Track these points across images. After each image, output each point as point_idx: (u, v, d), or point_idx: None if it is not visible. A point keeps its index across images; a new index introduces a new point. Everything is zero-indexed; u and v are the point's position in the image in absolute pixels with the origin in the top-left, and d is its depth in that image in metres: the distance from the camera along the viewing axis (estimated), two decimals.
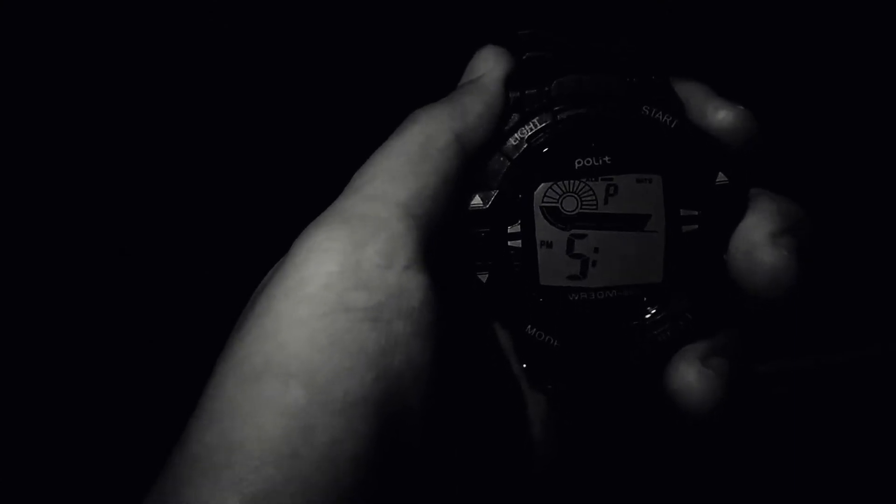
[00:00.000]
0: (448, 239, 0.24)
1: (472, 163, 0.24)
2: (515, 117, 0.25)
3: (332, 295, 0.21)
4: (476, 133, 0.24)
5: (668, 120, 0.25)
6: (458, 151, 0.24)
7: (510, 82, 0.25)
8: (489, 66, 0.26)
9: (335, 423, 0.19)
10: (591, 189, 0.25)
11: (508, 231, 0.25)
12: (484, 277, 0.25)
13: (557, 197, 0.25)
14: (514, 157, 0.25)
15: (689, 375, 0.24)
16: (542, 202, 0.25)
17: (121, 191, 0.40)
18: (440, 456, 0.22)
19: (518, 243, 0.25)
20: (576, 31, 0.26)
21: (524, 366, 0.26)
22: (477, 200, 0.25)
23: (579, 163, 0.25)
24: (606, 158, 0.25)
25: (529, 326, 0.25)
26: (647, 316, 0.25)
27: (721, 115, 0.25)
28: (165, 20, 0.39)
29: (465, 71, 0.27)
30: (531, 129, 0.25)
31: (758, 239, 0.23)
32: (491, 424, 0.25)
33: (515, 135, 0.25)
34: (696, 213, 0.25)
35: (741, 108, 0.25)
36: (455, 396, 0.23)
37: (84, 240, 0.41)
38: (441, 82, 0.27)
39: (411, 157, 0.23)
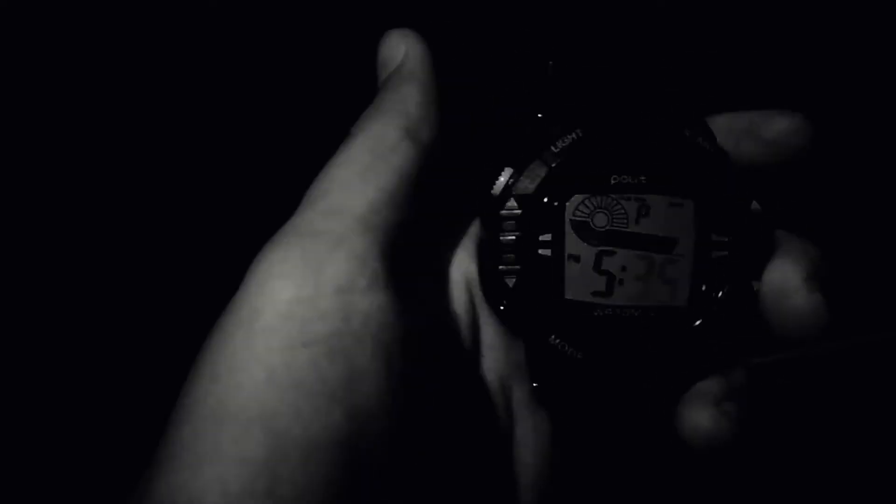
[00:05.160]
0: (416, 242, 0.23)
1: (430, 154, 0.23)
2: (556, 129, 0.25)
3: (288, 326, 0.19)
4: (424, 121, 0.23)
5: (707, 144, 0.25)
6: (412, 145, 0.23)
7: (545, 98, 0.25)
8: (404, 50, 0.24)
9: (301, 469, 0.18)
10: (623, 207, 0.25)
11: (540, 239, 0.25)
12: (511, 282, 0.24)
13: (589, 212, 0.25)
14: (553, 164, 0.25)
15: (702, 419, 0.24)
16: (574, 215, 0.25)
17: (119, 192, 0.40)
18: (415, 488, 0.21)
19: (548, 252, 0.25)
20: (604, 63, 0.26)
21: (534, 385, 0.25)
22: (511, 203, 0.25)
23: (615, 179, 0.25)
24: (642, 178, 0.25)
25: (553, 336, 0.25)
26: (670, 339, 0.25)
27: (782, 122, 0.24)
28: (154, 20, 0.39)
29: (379, 65, 0.25)
30: (572, 139, 0.25)
31: (792, 282, 0.24)
32: (472, 446, 0.24)
33: (557, 142, 0.25)
34: (727, 239, 0.25)
35: (798, 114, 0.24)
36: (431, 418, 0.22)
37: (81, 240, 0.40)
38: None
39: (364, 162, 0.22)
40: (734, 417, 0.24)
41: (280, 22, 0.40)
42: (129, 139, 0.40)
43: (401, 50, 0.24)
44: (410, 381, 0.21)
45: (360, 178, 0.22)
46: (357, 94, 0.40)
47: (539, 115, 0.26)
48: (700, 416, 0.24)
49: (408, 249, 0.22)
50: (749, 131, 0.25)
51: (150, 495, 0.18)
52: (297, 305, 0.19)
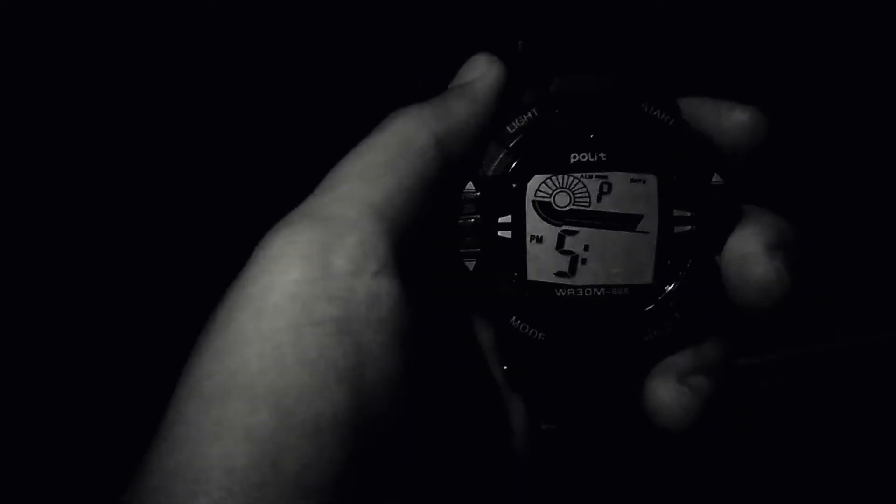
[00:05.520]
0: (425, 241, 0.23)
1: (452, 168, 0.23)
2: (511, 109, 0.25)
3: (297, 306, 0.19)
4: (458, 137, 0.23)
5: (665, 118, 0.24)
6: (438, 155, 0.23)
7: (510, 86, 0.25)
8: (481, 73, 0.25)
9: (306, 447, 0.18)
10: (584, 185, 0.25)
11: (499, 221, 0.24)
12: (471, 265, 0.24)
13: (550, 191, 0.25)
14: (510, 144, 0.24)
15: (666, 394, 0.23)
16: (535, 196, 0.25)
17: (111, 192, 0.40)
18: (417, 467, 0.21)
19: (508, 234, 0.25)
20: (575, 40, 0.26)
21: (504, 368, 0.25)
22: (469, 186, 0.24)
23: (574, 157, 0.24)
24: (602, 155, 0.25)
25: (514, 318, 0.24)
26: (636, 317, 0.25)
27: (736, 115, 0.24)
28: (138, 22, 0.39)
29: (456, 76, 0.26)
30: (528, 119, 0.25)
31: (752, 250, 0.23)
32: (470, 432, 0.24)
33: (513, 122, 0.25)
34: (690, 213, 0.24)
35: (753, 107, 0.24)
36: (432, 404, 0.22)
37: (73, 240, 0.40)
38: (429, 83, 0.26)
39: (388, 156, 0.22)
40: (700, 392, 0.23)
41: (280, 21, 0.40)
42: (128, 136, 0.40)
43: (478, 71, 0.25)
44: (417, 361, 0.21)
45: (380, 169, 0.22)
46: (355, 92, 0.40)
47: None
48: (664, 391, 0.23)
49: (420, 246, 0.22)
50: (712, 117, 0.25)
51: (155, 472, 0.18)
52: (306, 286, 0.19)
